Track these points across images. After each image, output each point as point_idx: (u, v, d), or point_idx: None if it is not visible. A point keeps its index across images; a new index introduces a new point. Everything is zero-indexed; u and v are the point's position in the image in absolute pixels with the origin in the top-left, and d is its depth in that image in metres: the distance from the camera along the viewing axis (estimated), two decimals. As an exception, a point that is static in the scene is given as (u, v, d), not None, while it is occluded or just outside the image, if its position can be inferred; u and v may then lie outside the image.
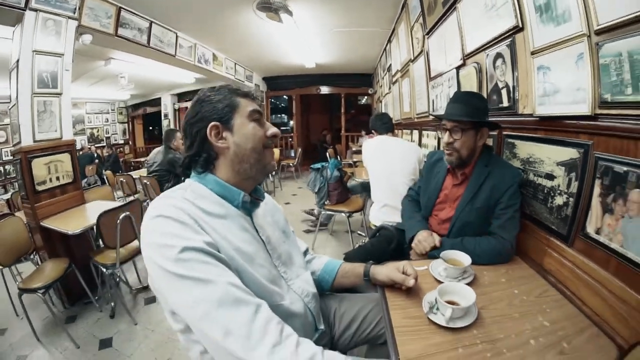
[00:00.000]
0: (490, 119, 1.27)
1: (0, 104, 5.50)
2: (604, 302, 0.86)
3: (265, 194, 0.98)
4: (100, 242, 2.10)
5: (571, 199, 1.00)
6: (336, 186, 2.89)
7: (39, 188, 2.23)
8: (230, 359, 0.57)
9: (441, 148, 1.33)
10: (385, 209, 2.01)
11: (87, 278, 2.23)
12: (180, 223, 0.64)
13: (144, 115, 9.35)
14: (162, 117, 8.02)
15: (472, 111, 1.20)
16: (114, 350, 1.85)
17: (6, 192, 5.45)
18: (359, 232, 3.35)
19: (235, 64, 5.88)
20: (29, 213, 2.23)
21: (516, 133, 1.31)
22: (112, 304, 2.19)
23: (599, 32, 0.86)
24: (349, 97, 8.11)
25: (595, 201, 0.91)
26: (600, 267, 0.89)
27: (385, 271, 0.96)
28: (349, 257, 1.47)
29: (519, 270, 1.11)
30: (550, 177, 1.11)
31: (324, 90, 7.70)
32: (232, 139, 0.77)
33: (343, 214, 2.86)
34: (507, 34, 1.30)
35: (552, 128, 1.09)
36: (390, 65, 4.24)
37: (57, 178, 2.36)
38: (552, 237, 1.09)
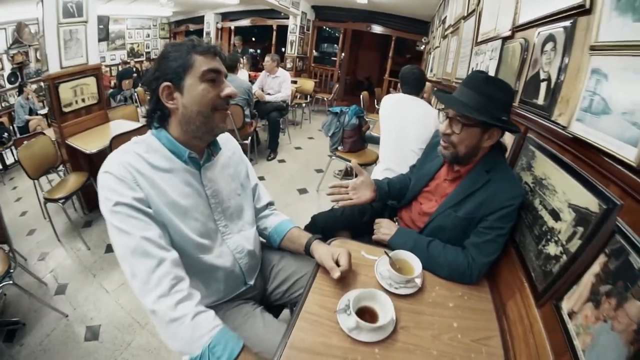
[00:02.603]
0: (505, 119, 0.92)
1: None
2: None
3: (237, 145, 0.97)
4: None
5: (564, 257, 0.73)
6: (352, 134, 2.60)
7: (66, 110, 2.28)
8: (135, 294, 0.67)
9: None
10: (387, 172, 1.72)
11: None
12: (118, 180, 0.68)
13: (186, 32, 8.65)
14: (204, 35, 7.57)
15: (484, 103, 0.88)
16: (116, 254, 2.07)
17: (44, 106, 5.17)
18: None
19: (280, -12, 5.18)
20: (56, 131, 2.33)
21: (540, 142, 0.95)
22: (123, 214, 2.38)
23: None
24: (405, 41, 6.98)
25: (588, 278, 0.64)
26: (552, 353, 0.67)
27: (321, 252, 0.90)
28: (316, 219, 1.34)
29: (477, 299, 0.91)
30: (555, 215, 0.81)
31: (376, 29, 6.69)
32: (181, 100, 0.74)
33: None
34: (568, 13, 0.87)
35: (582, 157, 0.74)
36: (446, 17, 3.42)
37: (83, 100, 2.40)
38: (526, 284, 0.86)
